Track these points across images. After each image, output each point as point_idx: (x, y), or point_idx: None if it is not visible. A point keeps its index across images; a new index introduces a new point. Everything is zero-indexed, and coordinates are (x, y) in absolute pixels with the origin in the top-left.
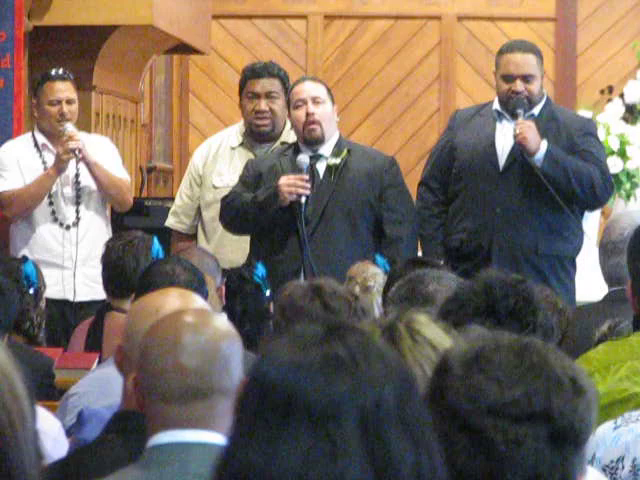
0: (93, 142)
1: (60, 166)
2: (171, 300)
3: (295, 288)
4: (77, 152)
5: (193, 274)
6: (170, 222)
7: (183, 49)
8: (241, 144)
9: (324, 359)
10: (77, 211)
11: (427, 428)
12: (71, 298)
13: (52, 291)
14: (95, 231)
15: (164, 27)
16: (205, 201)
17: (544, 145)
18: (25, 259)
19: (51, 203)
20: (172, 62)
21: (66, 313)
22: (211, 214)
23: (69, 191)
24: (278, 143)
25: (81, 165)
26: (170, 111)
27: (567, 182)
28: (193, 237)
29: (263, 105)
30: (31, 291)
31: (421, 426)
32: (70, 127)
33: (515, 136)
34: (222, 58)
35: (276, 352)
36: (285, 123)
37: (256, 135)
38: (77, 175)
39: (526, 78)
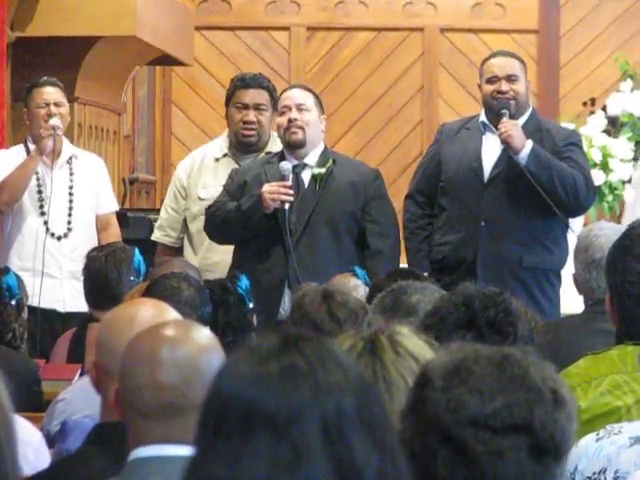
0: (86, 159)
1: (42, 145)
2: (144, 310)
3: (309, 290)
4: (57, 130)
5: (197, 292)
6: (156, 235)
7: (166, 61)
8: (225, 155)
9: (282, 369)
10: (68, 222)
11: (389, 433)
12: (59, 308)
13: (39, 300)
14: (85, 243)
15: (147, 38)
16: (191, 213)
17: (529, 144)
18: (7, 270)
19: (43, 213)
20: (155, 74)
21: (53, 323)
22: (198, 226)
23: (61, 203)
24: (263, 154)
25: (75, 177)
26: (153, 123)
27: (550, 182)
28: (179, 250)
29: (251, 116)
30: (13, 302)
31: (383, 431)
32: (55, 120)
33: (500, 135)
34: (205, 70)
35: (233, 366)
36: (270, 135)
37: (242, 145)
38: (70, 187)
39: (510, 78)
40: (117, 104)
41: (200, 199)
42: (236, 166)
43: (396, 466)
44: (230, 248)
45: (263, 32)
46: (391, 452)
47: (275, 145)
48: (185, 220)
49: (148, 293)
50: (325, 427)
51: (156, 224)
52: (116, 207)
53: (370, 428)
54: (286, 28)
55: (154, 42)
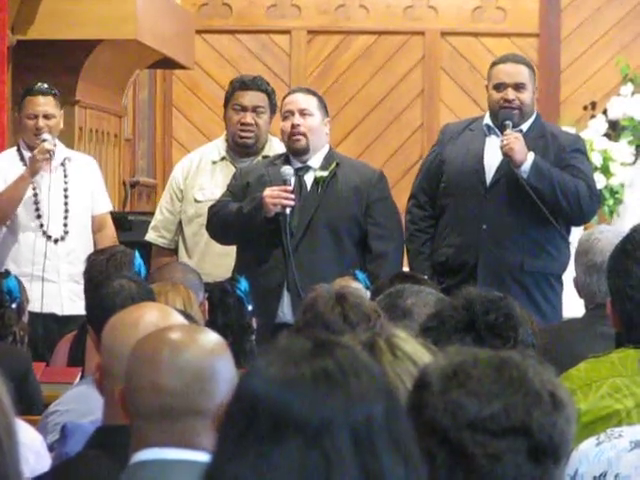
0: (79, 161)
1: (34, 168)
2: (149, 313)
3: (322, 291)
4: (51, 153)
5: (141, 285)
6: (150, 236)
7: (167, 64)
8: (222, 158)
9: (314, 374)
10: (65, 225)
11: (413, 445)
12: (57, 312)
13: (37, 305)
14: (81, 245)
15: (148, 42)
16: (187, 215)
17: (531, 157)
18: (7, 273)
19: (39, 216)
20: (156, 77)
21: (51, 327)
22: (193, 229)
23: (57, 205)
24: (260, 157)
25: (69, 179)
26: (153, 126)
27: (553, 194)
28: (174, 252)
29: (249, 118)
30: (14, 306)
31: (408, 443)
32: (48, 136)
33: (502, 147)
34: (206, 73)
35: (264, 367)
36: (267, 139)
37: (239, 147)
38: (65, 189)
39: (518, 87)
40: (118, 107)
41: (196, 201)
42: (233, 169)
43: (420, 478)
44: (226, 253)
45: (264, 35)
46: (416, 464)
47: (272, 149)
48: (180, 222)
49: (103, 303)
50: (355, 436)
51: (150, 224)
52: (110, 207)
53: (397, 439)
54: (287, 31)
55: (155, 45)
